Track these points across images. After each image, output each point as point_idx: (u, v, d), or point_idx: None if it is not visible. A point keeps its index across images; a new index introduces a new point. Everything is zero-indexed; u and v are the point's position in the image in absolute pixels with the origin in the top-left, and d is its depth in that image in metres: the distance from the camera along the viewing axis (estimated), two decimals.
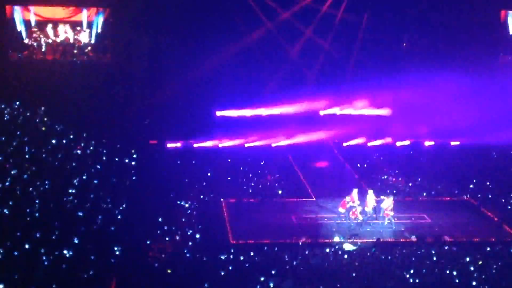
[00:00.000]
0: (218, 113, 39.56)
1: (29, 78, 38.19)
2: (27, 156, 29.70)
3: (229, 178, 33.20)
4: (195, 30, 39.49)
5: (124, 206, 27.40)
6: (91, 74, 39.16)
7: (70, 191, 27.27)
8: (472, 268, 22.81)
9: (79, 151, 32.08)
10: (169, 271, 22.03)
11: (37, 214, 24.64)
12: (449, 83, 39.53)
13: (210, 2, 38.56)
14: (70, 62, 39.45)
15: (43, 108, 35.72)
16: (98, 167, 30.83)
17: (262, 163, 35.47)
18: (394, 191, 31.93)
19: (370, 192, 28.99)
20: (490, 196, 31.99)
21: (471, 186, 33.12)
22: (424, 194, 32.50)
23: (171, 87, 40.04)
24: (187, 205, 29.21)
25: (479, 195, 32.16)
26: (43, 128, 33.42)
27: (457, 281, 22.03)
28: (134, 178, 31.08)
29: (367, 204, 28.37)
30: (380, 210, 28.37)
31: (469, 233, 27.69)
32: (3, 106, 34.94)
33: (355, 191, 28.61)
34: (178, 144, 38.02)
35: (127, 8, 38.65)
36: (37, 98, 36.74)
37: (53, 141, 32.47)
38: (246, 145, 38.71)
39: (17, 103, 35.88)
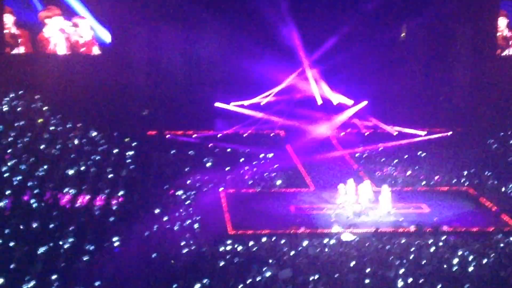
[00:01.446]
0: (217, 104, 39.50)
1: (26, 69, 38.04)
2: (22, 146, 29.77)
3: (227, 169, 33.21)
4: (195, 20, 39.42)
5: (122, 196, 27.41)
6: (89, 63, 39.06)
7: (68, 181, 27.34)
8: (470, 258, 22.81)
9: (76, 141, 32.11)
10: (172, 261, 22.02)
11: (34, 205, 24.65)
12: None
13: None
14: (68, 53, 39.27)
15: (38, 97, 35.78)
16: (96, 157, 30.82)
17: (261, 155, 35.49)
18: (393, 181, 32.00)
19: (367, 182, 28.95)
20: (489, 186, 32.01)
21: (470, 175, 33.14)
22: (423, 183, 32.52)
23: (169, 77, 39.99)
24: (185, 196, 29.26)
25: (477, 184, 32.21)
26: (41, 120, 33.35)
27: (455, 270, 22.02)
28: (132, 168, 31.06)
29: (359, 195, 28.31)
30: (378, 200, 28.36)
31: (468, 222, 27.70)
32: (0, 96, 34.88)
33: (350, 181, 28.57)
34: (177, 134, 38.08)
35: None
36: (34, 88, 36.70)
37: (51, 132, 32.48)
38: (245, 135, 38.74)
39: (17, 93, 35.84)
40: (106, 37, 38.80)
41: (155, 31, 39.75)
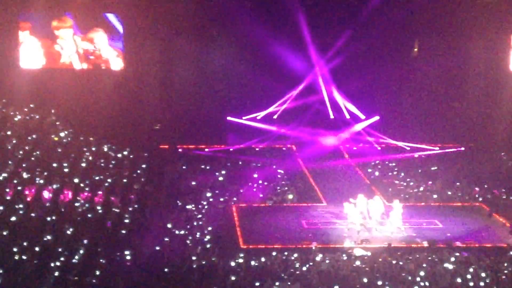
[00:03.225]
0: (229, 118, 39.57)
1: (40, 84, 38.22)
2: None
3: (239, 184, 33.17)
4: (207, 34, 39.62)
5: (134, 210, 27.48)
6: (102, 78, 39.22)
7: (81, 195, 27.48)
8: (483, 274, 22.68)
9: (90, 157, 32.24)
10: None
11: (48, 218, 24.76)
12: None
13: (221, 9, 38.63)
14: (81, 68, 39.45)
15: (53, 111, 36.00)
16: (109, 171, 30.94)
17: (274, 167, 35.50)
18: (407, 196, 31.90)
19: (377, 198, 28.85)
20: (502, 202, 31.84)
21: (483, 191, 32.98)
22: (435, 196, 32.38)
23: (182, 92, 40.14)
24: (197, 209, 29.28)
25: (491, 200, 32.04)
26: (55, 138, 33.48)
27: (468, 287, 21.91)
28: (144, 182, 31.13)
29: (369, 211, 28.21)
30: (389, 215, 28.23)
31: (481, 238, 27.52)
32: (14, 111, 35.07)
33: (360, 197, 28.49)
34: (190, 148, 38.21)
35: (139, 14, 38.74)
36: (47, 103, 36.90)
37: (64, 146, 32.65)
38: (257, 149, 38.75)
39: (30, 107, 36.06)
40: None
41: (168, 45, 39.90)
